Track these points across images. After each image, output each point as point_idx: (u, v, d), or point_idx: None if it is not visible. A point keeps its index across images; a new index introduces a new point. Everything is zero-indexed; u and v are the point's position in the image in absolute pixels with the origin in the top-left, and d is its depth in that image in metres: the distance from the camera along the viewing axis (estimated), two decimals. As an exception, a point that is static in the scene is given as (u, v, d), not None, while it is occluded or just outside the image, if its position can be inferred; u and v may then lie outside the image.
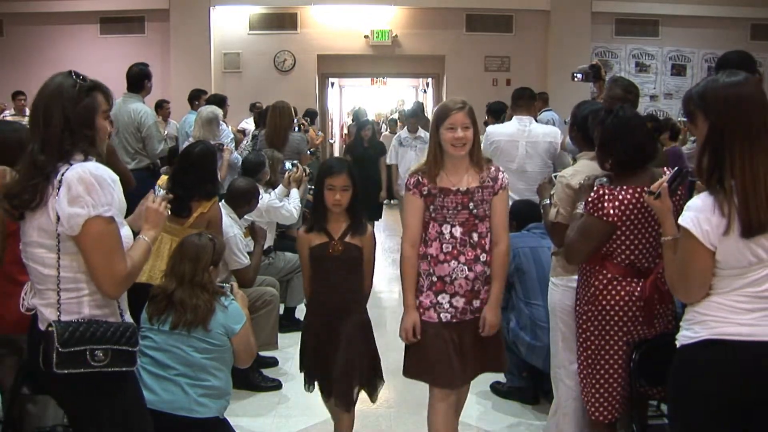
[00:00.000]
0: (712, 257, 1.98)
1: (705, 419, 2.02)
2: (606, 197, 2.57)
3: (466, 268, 2.79)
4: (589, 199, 2.62)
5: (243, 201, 4.36)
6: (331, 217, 3.03)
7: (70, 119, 2.07)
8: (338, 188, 2.96)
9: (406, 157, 7.32)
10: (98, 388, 2.13)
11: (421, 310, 2.84)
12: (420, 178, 2.84)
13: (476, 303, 2.84)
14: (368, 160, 7.64)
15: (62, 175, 2.04)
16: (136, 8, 10.59)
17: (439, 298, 2.82)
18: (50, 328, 2.05)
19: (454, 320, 2.82)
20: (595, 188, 2.64)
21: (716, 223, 1.95)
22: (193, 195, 3.83)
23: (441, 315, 2.82)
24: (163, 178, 4.98)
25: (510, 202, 4.61)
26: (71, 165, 2.06)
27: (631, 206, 2.55)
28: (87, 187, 2.03)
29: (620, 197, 2.56)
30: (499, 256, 2.86)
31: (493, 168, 2.87)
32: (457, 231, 2.79)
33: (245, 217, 4.60)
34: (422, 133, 7.31)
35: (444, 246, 2.80)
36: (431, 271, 2.83)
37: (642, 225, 2.58)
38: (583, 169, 2.94)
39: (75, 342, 2.03)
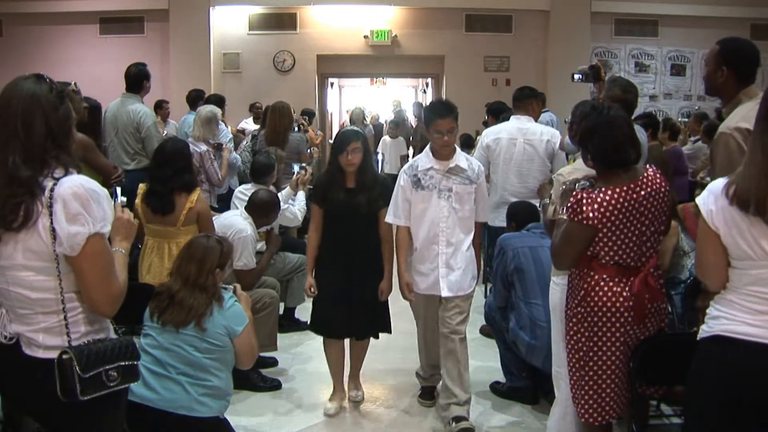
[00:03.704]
0: (718, 239, 2.05)
1: (718, 411, 2.06)
2: (584, 201, 2.57)
3: None
4: (569, 204, 2.63)
5: (262, 213, 4.40)
6: None
7: (53, 128, 1.94)
8: None
9: (431, 211, 3.63)
10: (106, 406, 2.05)
11: None
12: None
13: None
14: (356, 220, 3.74)
15: (51, 191, 1.90)
16: (136, 8, 10.57)
17: None
18: (65, 356, 1.94)
19: None
20: (574, 193, 2.65)
21: (721, 204, 2.02)
22: (173, 188, 3.88)
23: None
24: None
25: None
26: (57, 180, 1.93)
27: (611, 207, 2.55)
28: (83, 203, 1.91)
29: (599, 200, 2.56)
30: None
31: None
32: None
33: None
34: (465, 161, 3.67)
35: None
36: None
37: (624, 225, 2.58)
38: (580, 167, 2.95)
39: (92, 365, 1.95)
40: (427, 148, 3.71)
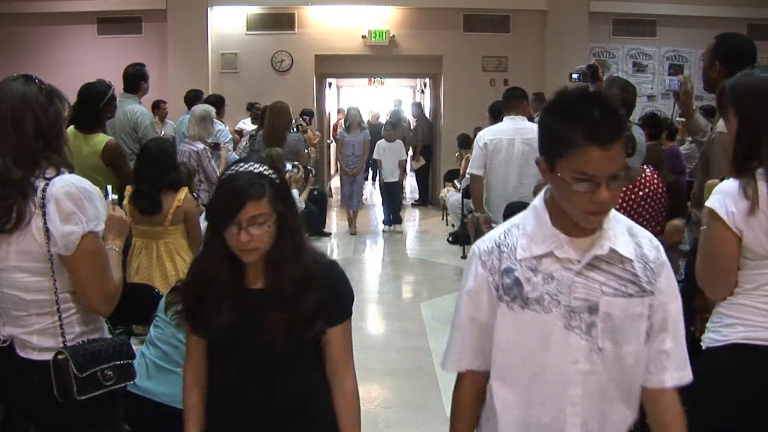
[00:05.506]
0: (738, 243, 1.96)
1: (732, 421, 1.99)
2: None
3: None
4: None
5: None
6: None
7: (44, 128, 1.94)
8: None
9: (551, 358, 1.55)
10: (103, 407, 2.05)
11: None
12: None
13: None
14: (269, 364, 1.80)
15: (43, 191, 1.89)
16: (134, 8, 10.57)
17: None
18: (60, 356, 1.93)
19: None
20: None
21: (742, 206, 1.93)
22: (160, 187, 3.88)
23: None
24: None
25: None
26: (48, 180, 1.91)
27: None
28: (76, 202, 1.90)
29: None
30: None
31: None
32: None
33: None
34: (628, 240, 1.58)
35: None
36: None
37: None
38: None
39: (88, 365, 1.94)
40: (537, 202, 1.64)
